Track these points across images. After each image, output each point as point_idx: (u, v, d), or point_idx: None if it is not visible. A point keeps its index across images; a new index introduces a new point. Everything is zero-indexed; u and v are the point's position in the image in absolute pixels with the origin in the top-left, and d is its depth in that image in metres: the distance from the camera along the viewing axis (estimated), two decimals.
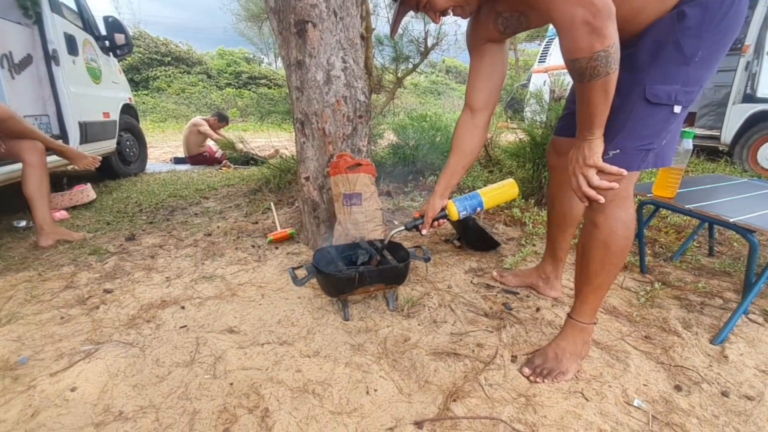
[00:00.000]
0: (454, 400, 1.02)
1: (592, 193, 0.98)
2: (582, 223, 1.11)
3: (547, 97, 2.77)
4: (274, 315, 1.42)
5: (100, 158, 2.41)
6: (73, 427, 0.95)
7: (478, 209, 1.38)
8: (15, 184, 2.29)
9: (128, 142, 4.20)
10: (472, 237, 1.88)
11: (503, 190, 1.42)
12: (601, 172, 0.97)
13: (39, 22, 2.68)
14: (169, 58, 13.91)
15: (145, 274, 1.75)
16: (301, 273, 1.43)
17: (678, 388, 1.06)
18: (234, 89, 14.50)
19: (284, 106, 3.78)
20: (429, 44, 3.59)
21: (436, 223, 1.35)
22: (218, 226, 2.37)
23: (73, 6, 3.30)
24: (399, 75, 3.74)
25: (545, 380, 1.08)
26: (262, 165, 4.85)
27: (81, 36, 3.19)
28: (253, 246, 2.05)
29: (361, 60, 1.92)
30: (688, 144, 1.37)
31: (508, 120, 5.03)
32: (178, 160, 5.49)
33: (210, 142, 5.25)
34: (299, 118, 1.90)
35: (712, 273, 1.74)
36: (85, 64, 3.25)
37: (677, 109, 0.93)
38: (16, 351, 1.22)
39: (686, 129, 1.37)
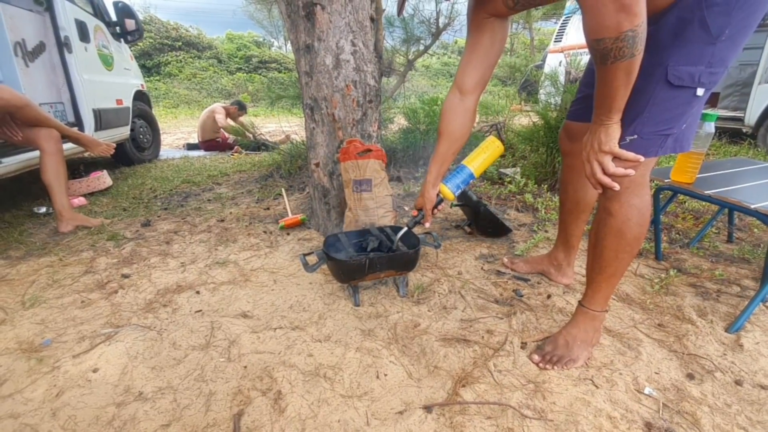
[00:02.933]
0: (464, 386, 1.03)
1: (606, 180, 0.95)
2: (595, 210, 1.08)
3: (562, 78, 2.69)
4: (286, 300, 1.44)
5: (115, 145, 2.45)
6: (95, 406, 0.99)
7: (471, 181, 1.35)
8: (33, 171, 2.35)
9: (142, 129, 4.25)
10: (483, 223, 1.86)
11: (488, 152, 1.33)
12: (616, 158, 0.94)
13: (50, 8, 2.69)
14: (180, 43, 13.90)
15: (161, 259, 1.79)
16: (312, 259, 1.44)
17: (690, 376, 1.05)
18: (245, 74, 14.46)
19: (294, 91, 3.76)
20: (441, 24, 3.51)
21: (435, 210, 1.33)
22: (231, 212, 2.40)
23: None
24: (410, 57, 3.67)
25: (555, 367, 1.08)
26: (273, 150, 4.88)
27: (92, 22, 3.20)
28: (265, 232, 2.07)
29: (370, 43, 1.88)
30: (710, 127, 1.32)
31: (522, 102, 4.92)
32: (191, 146, 5.55)
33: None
34: (309, 103, 1.89)
35: (731, 260, 1.70)
36: (97, 51, 3.26)
37: (700, 91, 0.89)
38: (40, 333, 1.27)
39: (708, 111, 1.32)
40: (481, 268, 1.62)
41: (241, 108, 5.45)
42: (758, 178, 1.51)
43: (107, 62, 3.44)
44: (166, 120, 9.23)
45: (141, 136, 4.24)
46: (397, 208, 2.23)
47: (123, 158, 3.98)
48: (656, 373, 1.07)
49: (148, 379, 1.08)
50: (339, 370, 1.10)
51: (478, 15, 1.10)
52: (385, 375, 1.07)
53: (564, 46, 5.56)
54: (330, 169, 1.93)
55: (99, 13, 3.44)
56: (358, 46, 1.81)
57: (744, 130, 3.59)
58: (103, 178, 3.03)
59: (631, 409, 0.96)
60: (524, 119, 4.08)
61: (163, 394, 1.03)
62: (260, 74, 14.49)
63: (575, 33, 5.57)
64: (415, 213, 1.34)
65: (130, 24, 3.71)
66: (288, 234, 2.05)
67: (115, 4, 3.67)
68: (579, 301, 1.14)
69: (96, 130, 3.09)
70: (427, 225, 1.34)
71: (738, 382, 1.03)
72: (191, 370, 1.12)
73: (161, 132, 4.98)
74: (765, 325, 1.26)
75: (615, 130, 0.92)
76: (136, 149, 4.18)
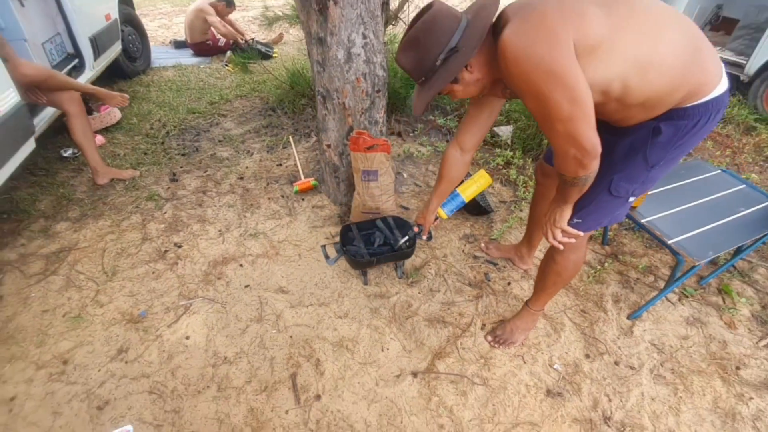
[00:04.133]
0: (439, 359, 1.56)
1: (555, 243, 1.31)
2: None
3: None
4: (312, 277, 1.89)
5: (128, 96, 2.53)
6: (198, 367, 1.51)
7: (461, 206, 1.71)
8: None
9: (130, 37, 4.04)
10: (469, 205, 2.21)
11: (479, 184, 1.68)
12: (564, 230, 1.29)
13: None
14: None
15: (201, 227, 2.16)
16: (331, 251, 1.84)
17: (587, 356, 1.60)
18: None
19: (293, 11, 3.52)
20: None
21: (432, 225, 1.68)
22: (247, 167, 2.66)
23: None
24: None
25: (501, 347, 1.61)
26: (269, 58, 4.71)
27: None
28: (282, 196, 2.40)
29: (381, 32, 1.92)
30: None
31: None
32: (178, 44, 5.26)
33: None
34: (321, 91, 2.02)
35: (661, 245, 2.14)
36: None
37: (632, 199, 1.20)
38: (134, 305, 1.73)
39: None
40: (462, 251, 2.05)
41: (229, 4, 4.99)
42: (699, 195, 1.83)
43: None
44: None
45: (131, 45, 4.06)
46: (397, 175, 2.52)
47: (118, 72, 3.92)
48: (566, 352, 1.61)
49: (227, 346, 1.59)
50: (356, 342, 1.62)
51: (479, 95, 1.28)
52: (388, 349, 1.60)
53: None
54: (340, 150, 2.16)
55: None
56: (369, 37, 1.87)
57: (742, 78, 3.61)
58: (113, 113, 3.12)
59: (542, 379, 1.52)
60: None
61: (240, 358, 1.55)
62: None
63: None
64: (417, 229, 1.68)
65: None
66: (303, 199, 2.38)
67: None
68: (525, 301, 1.61)
69: (95, 59, 3.05)
70: (424, 238, 1.70)
71: (616, 363, 1.58)
72: (254, 338, 1.62)
73: (141, 16, 4.61)
74: (657, 315, 1.78)
75: (567, 212, 1.25)
76: (128, 60, 4.05)
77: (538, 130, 2.60)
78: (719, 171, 2.02)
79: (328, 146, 2.17)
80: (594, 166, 1.01)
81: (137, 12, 4.48)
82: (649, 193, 1.81)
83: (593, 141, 0.96)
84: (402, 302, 1.79)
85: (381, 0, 1.86)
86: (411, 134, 2.96)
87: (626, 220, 2.31)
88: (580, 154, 0.98)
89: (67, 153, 2.77)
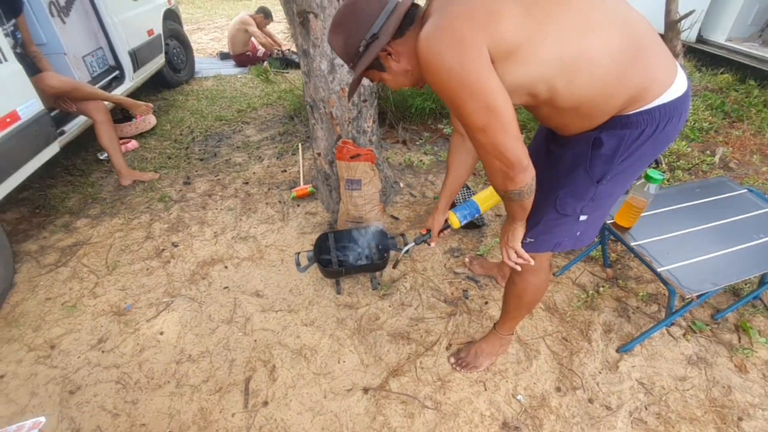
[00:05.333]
0: (394, 376, 1.51)
1: (511, 263, 1.22)
2: None
3: None
4: (288, 282, 1.92)
5: (152, 106, 2.75)
6: (164, 362, 1.60)
7: (476, 215, 1.58)
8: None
9: (175, 50, 4.39)
10: None
11: (497, 196, 1.55)
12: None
13: None
14: None
15: (199, 228, 2.28)
16: (304, 260, 1.86)
17: (558, 389, 1.46)
18: None
19: None
20: None
21: (442, 233, 1.52)
22: (254, 173, 2.77)
23: None
24: None
25: (463, 370, 1.52)
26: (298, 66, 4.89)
27: None
28: (280, 202, 2.47)
29: None
30: (654, 189, 1.42)
31: None
32: (224, 56, 5.65)
33: (253, 39, 5.25)
34: (308, 101, 2.05)
35: None
36: None
37: (583, 217, 1.08)
38: (123, 299, 1.86)
39: (656, 174, 1.41)
40: (444, 265, 1.97)
41: (267, 15, 5.29)
42: (711, 218, 1.60)
43: None
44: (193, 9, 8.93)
45: (175, 58, 4.41)
46: (393, 185, 2.49)
47: (162, 82, 4.27)
48: (535, 383, 1.48)
49: (194, 345, 1.66)
50: (315, 351, 1.61)
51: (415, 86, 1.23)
52: (344, 361, 1.57)
53: None
54: (330, 158, 2.18)
55: None
56: None
57: None
58: (148, 119, 3.41)
59: (500, 409, 1.40)
60: None
61: (204, 357, 1.61)
62: None
63: None
64: (425, 231, 1.53)
65: None
66: (298, 205, 2.43)
67: None
68: (494, 325, 1.51)
69: (135, 71, 3.36)
70: (432, 245, 1.58)
71: (590, 400, 1.42)
72: (221, 339, 1.68)
73: (195, 24, 4.96)
74: (653, 350, 1.58)
75: (520, 231, 1.15)
76: (172, 71, 4.41)
77: None
78: (744, 190, 1.76)
79: (318, 155, 2.20)
80: (522, 179, 0.92)
81: (186, 27, 4.88)
82: (648, 213, 1.62)
83: (516, 152, 0.88)
84: (370, 314, 1.75)
85: None
86: (417, 143, 2.91)
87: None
88: (504, 166, 0.90)
89: (103, 156, 3.07)
